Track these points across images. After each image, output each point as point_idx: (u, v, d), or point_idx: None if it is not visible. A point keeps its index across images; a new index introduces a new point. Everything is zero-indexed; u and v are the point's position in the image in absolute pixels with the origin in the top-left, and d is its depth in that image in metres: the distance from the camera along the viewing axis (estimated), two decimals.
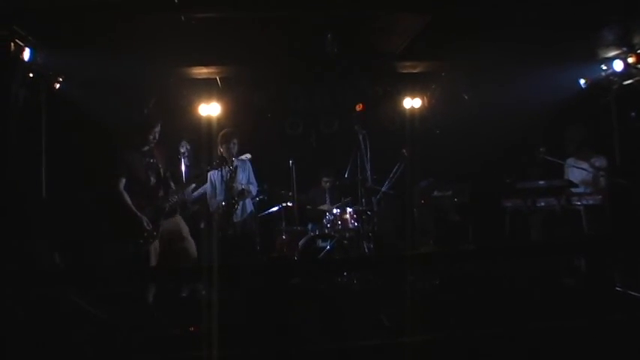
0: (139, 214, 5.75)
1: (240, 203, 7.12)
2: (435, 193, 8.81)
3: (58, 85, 7.14)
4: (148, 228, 5.76)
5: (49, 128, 7.09)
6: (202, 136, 8.79)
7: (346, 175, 8.56)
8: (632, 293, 6.00)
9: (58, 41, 6.47)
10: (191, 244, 6.20)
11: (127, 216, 5.75)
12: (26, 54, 6.35)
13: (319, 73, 8.72)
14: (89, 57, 6.56)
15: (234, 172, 7.05)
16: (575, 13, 6.47)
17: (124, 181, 5.84)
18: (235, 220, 7.09)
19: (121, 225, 5.82)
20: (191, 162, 7.66)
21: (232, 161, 7.03)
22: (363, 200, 8.47)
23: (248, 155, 7.46)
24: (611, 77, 7.48)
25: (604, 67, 7.55)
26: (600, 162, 6.89)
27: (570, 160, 7.13)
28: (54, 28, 6.26)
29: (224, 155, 7.12)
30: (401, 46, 7.55)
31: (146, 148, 6.06)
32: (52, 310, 4.69)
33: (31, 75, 6.73)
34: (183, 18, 6.29)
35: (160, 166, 6.04)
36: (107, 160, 6.25)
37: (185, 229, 6.25)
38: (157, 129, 6.07)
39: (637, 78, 7.23)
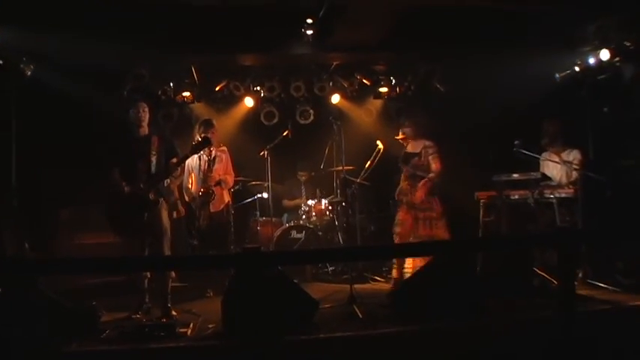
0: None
1: (217, 193, 7.07)
2: None
3: (29, 72, 6.99)
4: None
5: (18, 115, 6.96)
6: (178, 125, 8.75)
7: (322, 166, 8.56)
8: (603, 285, 6.10)
9: (28, 24, 6.31)
10: (167, 238, 6.00)
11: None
12: None
13: (296, 63, 8.72)
14: (59, 41, 6.41)
15: (211, 162, 6.99)
16: (552, 7, 6.52)
17: (117, 169, 5.82)
18: (212, 211, 7.04)
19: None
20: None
21: (210, 151, 6.96)
22: (338, 191, 8.49)
23: (223, 148, 7.42)
24: (585, 72, 7.54)
25: (578, 62, 7.59)
26: (573, 155, 6.95)
27: (545, 154, 7.18)
28: (24, 11, 6.11)
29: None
30: (376, 38, 7.54)
31: (138, 134, 5.94)
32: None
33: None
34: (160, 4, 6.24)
35: (154, 153, 5.89)
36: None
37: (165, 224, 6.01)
38: (142, 107, 5.93)
39: (610, 73, 7.30)
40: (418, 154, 6.95)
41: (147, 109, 5.97)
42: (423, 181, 6.78)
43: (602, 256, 6.42)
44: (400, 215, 6.88)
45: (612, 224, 6.42)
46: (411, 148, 7.08)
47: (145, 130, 5.95)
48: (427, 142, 6.99)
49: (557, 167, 7.01)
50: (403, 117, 7.31)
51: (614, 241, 5.95)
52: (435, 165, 6.87)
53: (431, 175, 6.81)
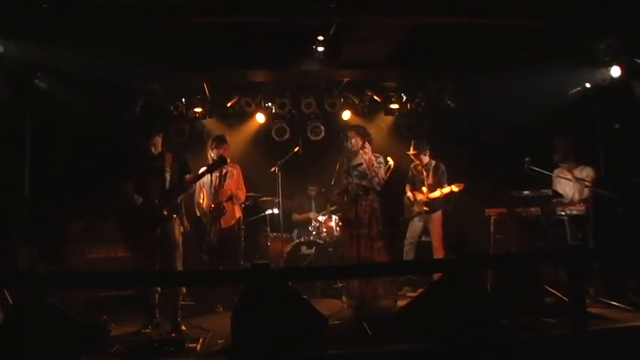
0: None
1: (228, 209, 7.09)
2: None
3: (43, 87, 7.07)
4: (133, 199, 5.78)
5: (33, 128, 7.04)
6: (190, 140, 8.79)
7: (332, 183, 8.55)
8: (615, 303, 6.04)
9: (43, 40, 6.39)
10: (179, 253, 6.01)
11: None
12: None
13: (306, 80, 8.76)
14: (73, 57, 6.48)
15: (222, 178, 7.01)
16: (564, 24, 6.53)
17: (130, 184, 5.87)
18: (223, 226, 7.06)
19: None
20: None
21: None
22: None
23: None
24: (596, 88, 7.53)
25: (590, 79, 7.59)
26: (586, 172, 6.91)
27: (557, 170, 7.15)
28: (39, 27, 6.20)
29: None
30: (386, 55, 7.58)
31: (151, 151, 5.97)
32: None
33: (15, 75, 6.67)
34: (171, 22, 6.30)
35: (168, 170, 5.94)
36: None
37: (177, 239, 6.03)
38: (155, 140, 5.97)
39: (621, 89, 7.28)
40: (363, 163, 6.71)
41: (160, 140, 6.03)
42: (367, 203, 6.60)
43: (613, 274, 6.37)
44: (343, 234, 6.68)
45: (624, 242, 6.37)
46: (355, 160, 6.86)
47: (158, 147, 5.99)
48: (375, 155, 6.75)
49: (569, 184, 6.97)
50: (348, 128, 7.03)
51: (626, 259, 5.90)
52: (379, 177, 6.64)
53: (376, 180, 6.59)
